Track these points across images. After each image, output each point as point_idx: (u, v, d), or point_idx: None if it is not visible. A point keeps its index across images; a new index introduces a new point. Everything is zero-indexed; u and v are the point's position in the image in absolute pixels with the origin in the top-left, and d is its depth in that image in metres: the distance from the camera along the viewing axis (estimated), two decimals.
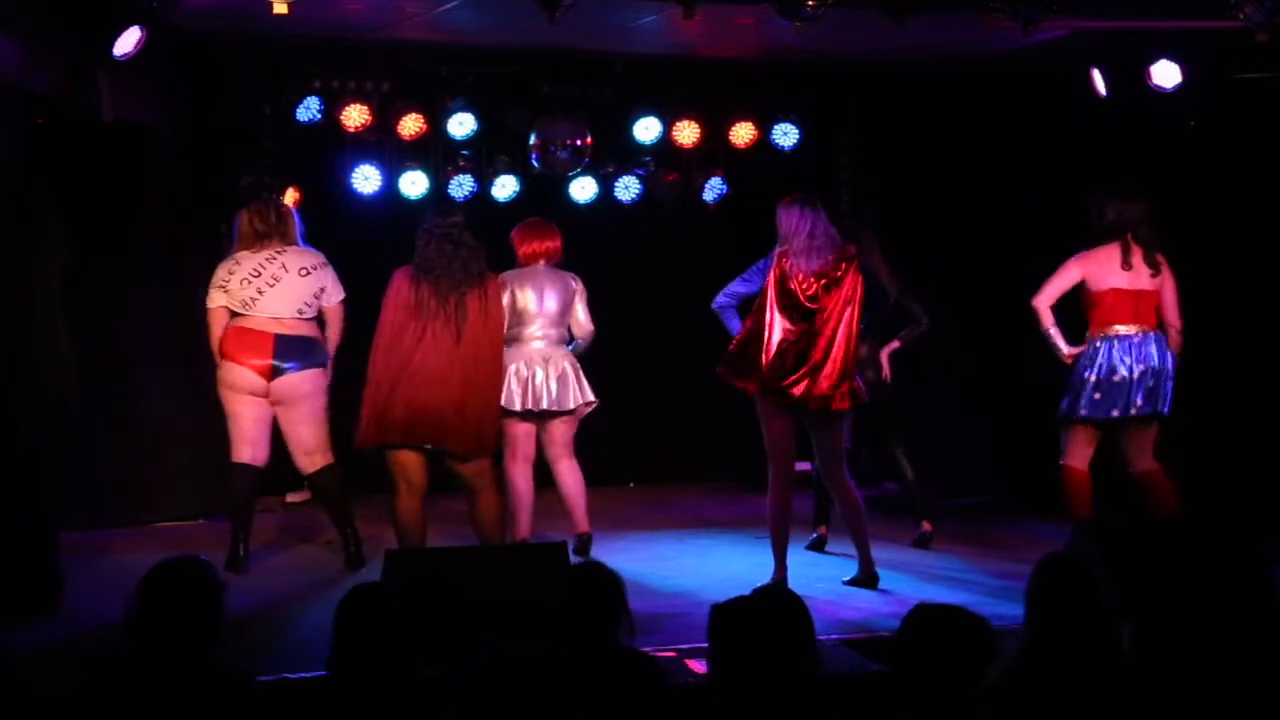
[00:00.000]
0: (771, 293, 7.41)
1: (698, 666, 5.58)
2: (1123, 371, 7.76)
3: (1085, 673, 3.82)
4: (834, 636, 6.32)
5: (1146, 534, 6.47)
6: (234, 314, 7.74)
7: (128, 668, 3.90)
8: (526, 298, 8.10)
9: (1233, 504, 8.17)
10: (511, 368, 7.99)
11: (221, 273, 7.77)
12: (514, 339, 8.05)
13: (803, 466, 8.31)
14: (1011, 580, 7.62)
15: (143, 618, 3.91)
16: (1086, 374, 7.81)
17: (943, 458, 10.46)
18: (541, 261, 8.17)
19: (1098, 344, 7.83)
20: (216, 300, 7.75)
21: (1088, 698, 3.79)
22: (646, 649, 4.58)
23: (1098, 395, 7.78)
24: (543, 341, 8.10)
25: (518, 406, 8.03)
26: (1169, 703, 3.85)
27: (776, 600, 3.84)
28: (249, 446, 7.82)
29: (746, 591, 3.88)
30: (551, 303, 8.13)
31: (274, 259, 7.78)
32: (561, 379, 8.09)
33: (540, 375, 8.06)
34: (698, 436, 10.76)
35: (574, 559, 7.84)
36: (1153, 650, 3.94)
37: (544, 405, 8.07)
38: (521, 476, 8.10)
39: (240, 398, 7.76)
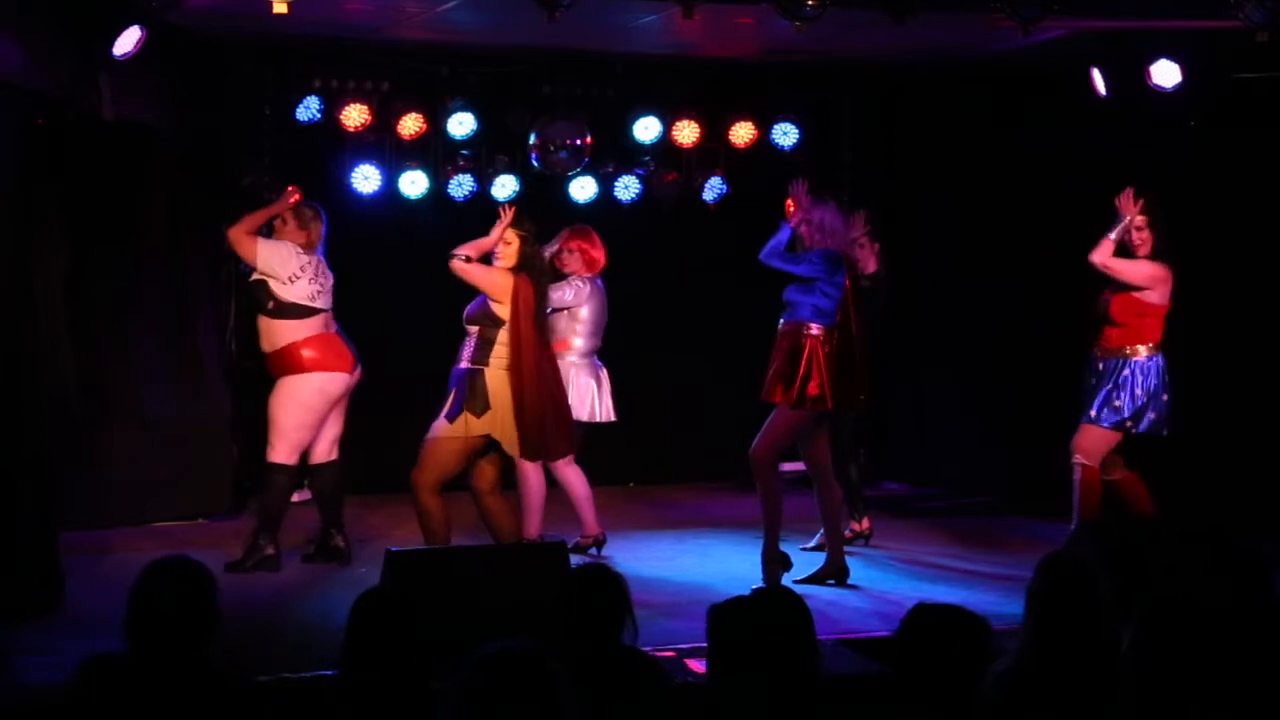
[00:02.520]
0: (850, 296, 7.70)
1: (698, 666, 5.58)
2: (1163, 391, 7.74)
3: (1084, 673, 3.82)
4: (834, 636, 6.32)
5: (1147, 534, 6.47)
6: (291, 312, 7.87)
7: (127, 668, 3.89)
8: (595, 306, 8.31)
9: (1233, 505, 8.17)
10: (586, 379, 8.25)
11: (294, 266, 7.90)
12: (577, 350, 8.28)
13: (795, 466, 8.34)
14: (1011, 580, 7.63)
15: (138, 619, 3.90)
16: (1139, 389, 7.72)
17: (943, 458, 10.47)
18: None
19: (1159, 360, 7.76)
20: (288, 295, 7.90)
21: (1087, 698, 3.79)
22: (646, 649, 4.57)
23: (1152, 414, 7.73)
24: (593, 353, 8.36)
25: (585, 416, 8.20)
26: (1169, 703, 3.85)
27: (776, 600, 3.83)
28: (300, 450, 8.01)
29: (746, 591, 3.88)
30: (600, 314, 8.43)
31: (317, 261, 8.06)
32: (605, 390, 8.33)
33: (599, 386, 8.30)
34: (697, 436, 10.76)
35: (583, 559, 7.89)
36: (1152, 650, 3.94)
37: (600, 418, 8.29)
38: (539, 477, 8.15)
39: (329, 405, 8.02)
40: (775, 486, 7.70)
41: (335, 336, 8.06)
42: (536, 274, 7.41)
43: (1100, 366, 7.78)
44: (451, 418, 7.29)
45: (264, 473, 8.07)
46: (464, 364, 7.37)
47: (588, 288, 8.31)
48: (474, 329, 7.43)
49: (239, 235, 7.91)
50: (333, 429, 8.15)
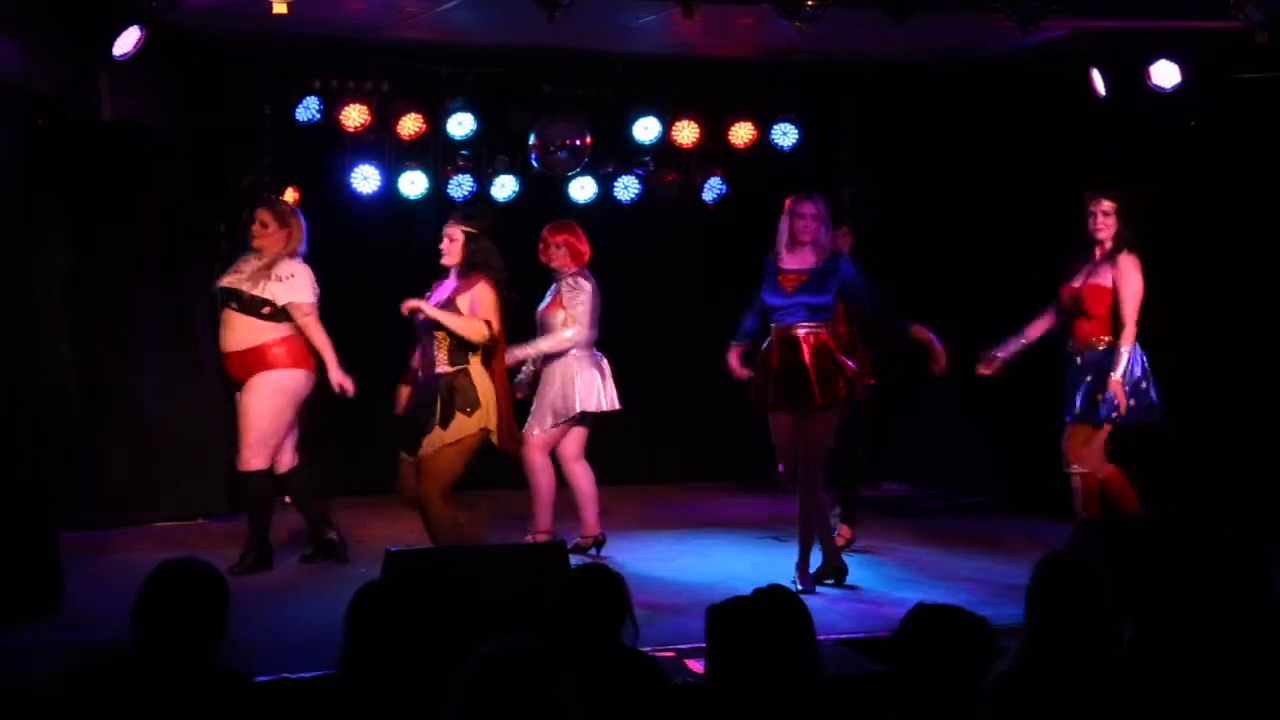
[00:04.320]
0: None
1: (698, 666, 5.57)
2: (1143, 381, 7.75)
3: (1085, 673, 3.82)
4: (834, 636, 6.32)
5: (1147, 534, 6.47)
6: (282, 315, 7.81)
7: (126, 668, 3.89)
8: (594, 299, 8.27)
9: (1233, 504, 8.17)
10: (590, 370, 8.20)
11: (308, 277, 7.86)
12: (584, 342, 8.24)
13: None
14: (1011, 580, 7.61)
15: (145, 620, 3.90)
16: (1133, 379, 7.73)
17: (944, 458, 10.47)
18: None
19: (1138, 353, 7.75)
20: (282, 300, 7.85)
21: (1087, 697, 3.79)
22: (646, 649, 4.57)
23: (1134, 401, 7.70)
24: (593, 344, 8.34)
25: (593, 407, 8.22)
26: (1169, 703, 3.85)
27: (776, 600, 3.83)
28: (273, 453, 7.94)
29: (746, 591, 3.87)
30: (597, 306, 8.37)
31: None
32: (609, 379, 8.32)
33: (603, 376, 8.29)
34: (698, 436, 10.77)
35: (582, 559, 7.90)
36: (1152, 650, 3.94)
37: (605, 407, 8.28)
38: (550, 473, 8.18)
39: (299, 403, 7.95)
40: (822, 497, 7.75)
41: (298, 336, 7.93)
42: (494, 273, 7.37)
43: (1079, 360, 7.74)
44: (445, 424, 7.28)
45: (244, 485, 7.95)
46: (442, 369, 7.33)
47: (589, 284, 8.30)
48: (441, 333, 7.38)
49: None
50: (293, 434, 8.06)
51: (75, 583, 7.06)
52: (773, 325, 7.65)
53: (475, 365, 7.33)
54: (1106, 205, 7.65)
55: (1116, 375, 7.54)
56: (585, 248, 8.36)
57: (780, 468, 7.95)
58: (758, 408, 7.70)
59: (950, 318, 10.25)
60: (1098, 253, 7.71)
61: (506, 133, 9.81)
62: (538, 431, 8.19)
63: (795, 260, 7.61)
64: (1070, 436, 7.76)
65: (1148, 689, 3.85)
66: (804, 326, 7.57)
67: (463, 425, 7.29)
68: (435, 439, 7.29)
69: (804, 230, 7.57)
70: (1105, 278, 7.65)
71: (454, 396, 7.28)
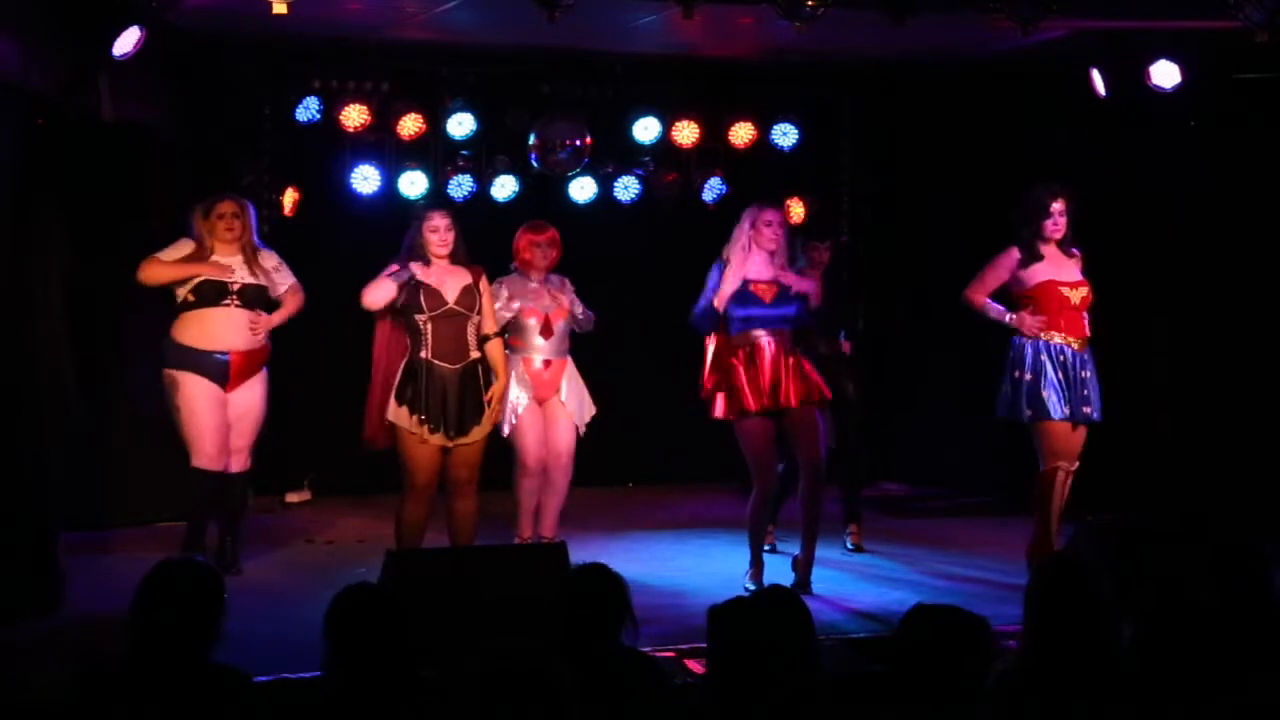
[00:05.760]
0: None
1: (698, 667, 5.58)
2: None
3: (1085, 673, 3.82)
4: (834, 636, 6.32)
5: (1146, 534, 6.47)
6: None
7: (125, 668, 3.90)
8: None
9: (1233, 504, 8.18)
10: (577, 376, 8.16)
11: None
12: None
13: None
14: (1011, 580, 7.63)
15: (144, 618, 3.90)
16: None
17: (943, 458, 10.47)
18: None
19: None
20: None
21: (1087, 698, 3.79)
22: (646, 649, 4.57)
23: None
24: None
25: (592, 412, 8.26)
26: (1169, 703, 3.85)
27: (776, 600, 3.84)
28: None
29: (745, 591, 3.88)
30: None
31: None
32: None
33: None
34: (697, 437, 10.74)
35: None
36: (1153, 650, 3.94)
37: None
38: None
39: None
40: None
41: None
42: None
43: (1086, 356, 7.74)
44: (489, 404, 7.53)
45: (239, 485, 7.91)
46: (474, 353, 7.44)
47: None
48: (478, 319, 7.47)
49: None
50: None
51: (75, 582, 7.06)
52: (746, 335, 7.58)
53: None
54: (1062, 205, 7.72)
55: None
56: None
57: (780, 467, 7.96)
58: (733, 415, 7.61)
59: (950, 318, 10.28)
60: (1044, 250, 7.75)
61: (506, 133, 9.80)
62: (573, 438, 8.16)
63: (762, 268, 7.63)
64: (1081, 438, 7.77)
65: (1148, 689, 3.86)
66: (782, 334, 7.60)
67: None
68: (487, 422, 7.44)
69: (772, 239, 7.59)
70: (1077, 273, 7.74)
71: (490, 380, 7.43)
